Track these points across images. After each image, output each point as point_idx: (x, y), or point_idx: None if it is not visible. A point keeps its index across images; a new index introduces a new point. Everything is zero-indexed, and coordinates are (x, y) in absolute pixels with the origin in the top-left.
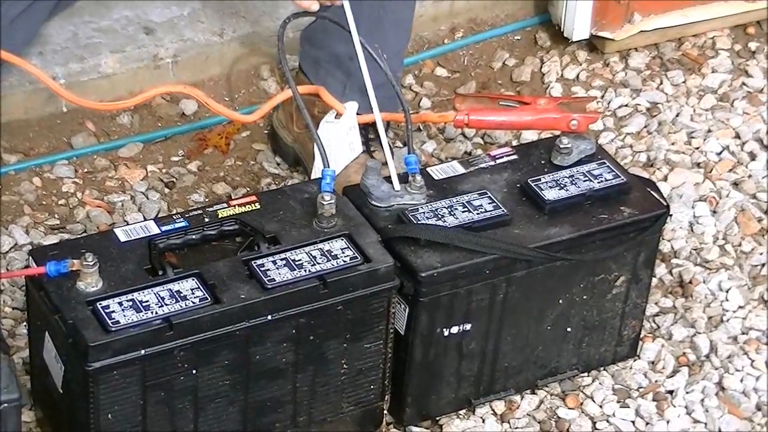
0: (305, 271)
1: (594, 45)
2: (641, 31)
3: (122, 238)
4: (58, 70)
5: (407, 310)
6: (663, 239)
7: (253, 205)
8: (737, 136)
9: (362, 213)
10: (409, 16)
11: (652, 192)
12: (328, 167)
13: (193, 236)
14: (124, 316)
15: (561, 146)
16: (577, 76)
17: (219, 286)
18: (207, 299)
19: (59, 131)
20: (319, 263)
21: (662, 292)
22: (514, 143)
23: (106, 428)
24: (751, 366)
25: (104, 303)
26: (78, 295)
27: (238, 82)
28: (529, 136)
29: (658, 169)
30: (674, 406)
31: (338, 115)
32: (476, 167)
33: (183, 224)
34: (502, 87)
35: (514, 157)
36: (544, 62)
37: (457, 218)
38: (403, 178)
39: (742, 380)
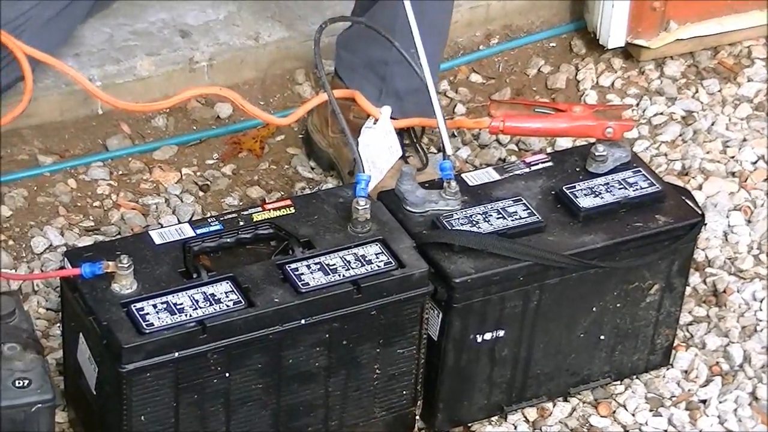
0: (339, 275)
1: (629, 53)
2: (677, 39)
3: (157, 240)
4: (94, 72)
5: (440, 316)
6: (697, 248)
7: (287, 209)
8: None
9: (396, 218)
10: (445, 21)
11: (686, 200)
12: (363, 172)
13: (228, 239)
14: (158, 318)
15: (596, 154)
16: (612, 84)
17: (253, 289)
18: (241, 303)
19: (94, 133)
20: (353, 268)
21: (696, 301)
22: (549, 150)
23: (139, 430)
24: None
25: (138, 305)
26: (112, 296)
27: (272, 86)
28: (563, 143)
29: (693, 177)
30: (707, 416)
31: (375, 121)
32: (511, 174)
33: (218, 227)
34: (536, 94)
35: (549, 164)
36: (579, 69)
37: (491, 224)
38: (438, 184)
39: None
